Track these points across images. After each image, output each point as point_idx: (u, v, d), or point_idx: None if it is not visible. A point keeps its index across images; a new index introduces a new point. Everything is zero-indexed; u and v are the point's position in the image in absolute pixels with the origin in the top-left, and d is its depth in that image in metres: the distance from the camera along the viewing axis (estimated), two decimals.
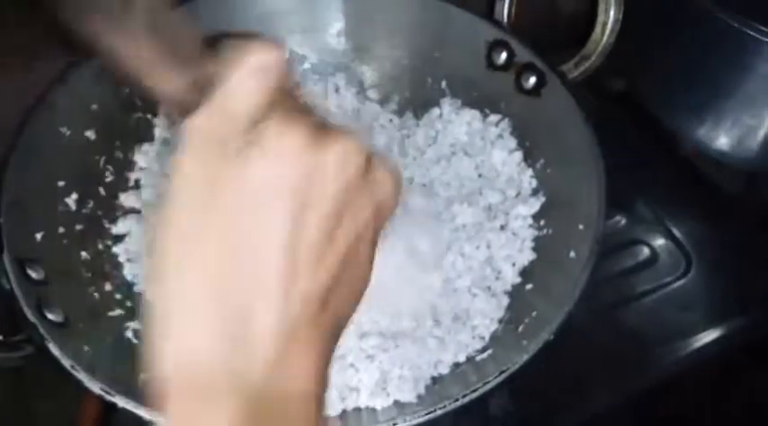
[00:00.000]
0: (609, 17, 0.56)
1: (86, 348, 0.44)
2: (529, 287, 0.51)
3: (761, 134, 0.64)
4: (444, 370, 0.47)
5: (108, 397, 0.40)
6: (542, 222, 0.54)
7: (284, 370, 0.24)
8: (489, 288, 0.53)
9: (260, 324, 0.24)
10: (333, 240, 0.26)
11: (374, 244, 0.28)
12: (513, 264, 0.53)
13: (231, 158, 0.25)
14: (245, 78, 0.25)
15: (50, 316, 0.44)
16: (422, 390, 0.47)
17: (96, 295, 0.50)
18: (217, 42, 0.26)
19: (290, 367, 0.25)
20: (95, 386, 0.40)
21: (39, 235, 0.49)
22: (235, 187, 0.25)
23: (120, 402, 0.40)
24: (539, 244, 0.54)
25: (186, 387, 0.24)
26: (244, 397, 0.24)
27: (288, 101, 0.26)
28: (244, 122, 0.25)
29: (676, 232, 0.65)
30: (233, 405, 0.23)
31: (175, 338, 0.24)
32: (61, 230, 0.51)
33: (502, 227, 0.55)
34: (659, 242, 0.65)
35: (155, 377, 0.24)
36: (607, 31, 0.56)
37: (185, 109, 0.26)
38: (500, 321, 0.50)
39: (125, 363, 0.46)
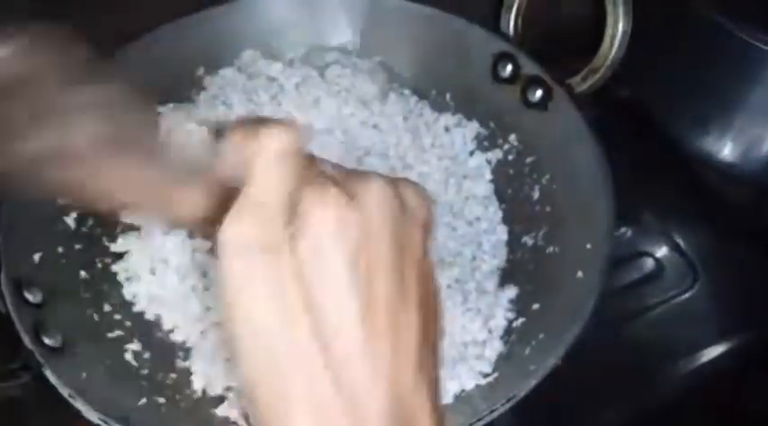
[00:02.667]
0: (618, 30, 0.55)
1: (84, 374, 0.43)
2: (536, 307, 0.50)
3: None
4: (449, 400, 0.46)
5: None
6: (548, 240, 0.53)
7: None
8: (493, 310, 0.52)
9: (370, 411, 0.23)
10: (405, 287, 0.25)
11: (430, 262, 0.27)
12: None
13: (283, 254, 0.23)
14: (271, 168, 0.23)
15: (48, 341, 0.43)
16: None
17: (95, 316, 0.49)
18: (220, 135, 0.24)
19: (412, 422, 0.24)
20: (93, 416, 0.39)
21: (37, 256, 0.48)
22: (298, 279, 0.23)
23: None
24: (545, 263, 0.53)
25: None
26: None
27: (308, 169, 0.25)
28: (282, 214, 0.23)
29: (683, 244, 0.64)
30: None
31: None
32: (60, 250, 0.50)
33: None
34: (665, 254, 0.64)
35: None
36: (616, 44, 0.55)
37: (208, 221, 0.24)
38: (506, 343, 0.49)
39: (124, 387, 0.46)
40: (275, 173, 0.23)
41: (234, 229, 0.23)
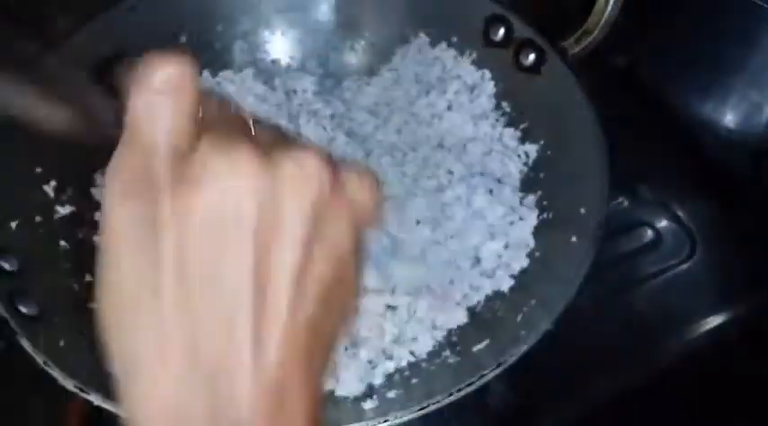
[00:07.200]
0: None
1: (62, 342, 0.42)
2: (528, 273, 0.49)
3: None
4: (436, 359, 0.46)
5: (82, 395, 0.38)
6: (543, 205, 0.52)
7: (277, 421, 0.22)
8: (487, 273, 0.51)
9: (239, 385, 0.21)
10: (307, 272, 0.22)
11: (358, 258, 0.24)
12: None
13: (165, 197, 0.20)
14: (153, 100, 0.21)
15: (24, 310, 0.42)
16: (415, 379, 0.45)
17: (76, 286, 0.48)
18: (113, 66, 0.22)
19: (283, 416, 0.22)
20: (69, 384, 0.38)
21: (13, 224, 0.47)
22: (177, 230, 0.20)
23: (96, 399, 0.38)
24: (539, 229, 0.52)
25: None
26: None
27: (223, 122, 0.22)
28: (168, 152, 0.21)
29: (681, 213, 0.63)
30: None
31: (149, 389, 0.21)
32: (38, 219, 0.49)
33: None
34: (663, 224, 0.62)
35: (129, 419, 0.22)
36: (611, 3, 0.53)
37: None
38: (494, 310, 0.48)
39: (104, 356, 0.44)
40: (160, 105, 0.21)
41: (116, 160, 0.21)
